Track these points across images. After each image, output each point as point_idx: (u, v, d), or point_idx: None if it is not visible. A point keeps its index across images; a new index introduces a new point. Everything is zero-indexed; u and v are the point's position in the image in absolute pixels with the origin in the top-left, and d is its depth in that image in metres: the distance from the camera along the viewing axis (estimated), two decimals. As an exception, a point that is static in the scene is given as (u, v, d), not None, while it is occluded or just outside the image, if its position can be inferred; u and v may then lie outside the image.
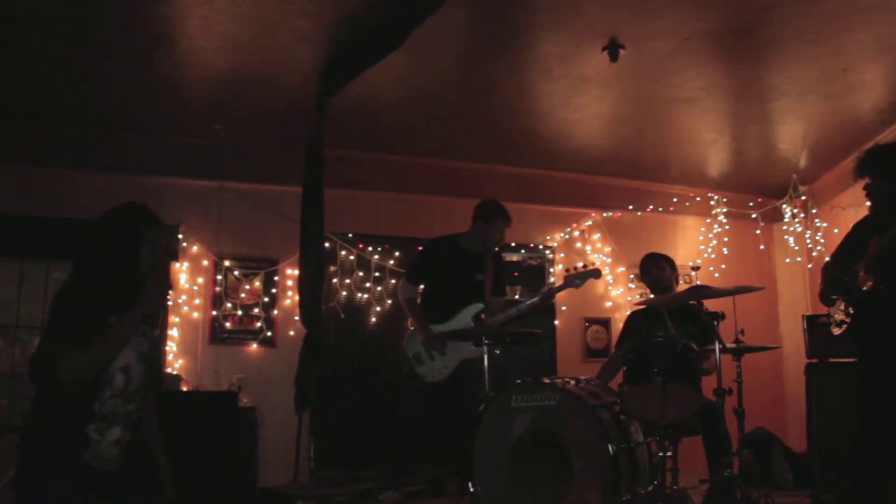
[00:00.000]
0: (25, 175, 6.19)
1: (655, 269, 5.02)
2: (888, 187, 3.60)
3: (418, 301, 5.40)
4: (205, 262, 6.62)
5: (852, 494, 3.76)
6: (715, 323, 3.79)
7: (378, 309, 6.85)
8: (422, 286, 5.48)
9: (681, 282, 6.33)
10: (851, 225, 3.91)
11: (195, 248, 6.59)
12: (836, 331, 3.72)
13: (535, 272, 7.40)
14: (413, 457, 5.28)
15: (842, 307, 3.71)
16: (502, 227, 5.25)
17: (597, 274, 5.10)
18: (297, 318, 6.02)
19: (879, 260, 3.49)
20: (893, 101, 5.76)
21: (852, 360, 4.19)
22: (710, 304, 4.39)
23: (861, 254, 3.60)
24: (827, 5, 4.47)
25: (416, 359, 5.16)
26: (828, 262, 3.95)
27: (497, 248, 5.43)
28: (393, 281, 6.80)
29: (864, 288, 3.55)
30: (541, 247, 7.43)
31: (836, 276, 3.75)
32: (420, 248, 5.74)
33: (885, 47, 4.94)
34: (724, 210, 7.73)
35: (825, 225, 7.17)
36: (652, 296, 5.19)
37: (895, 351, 3.49)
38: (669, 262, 5.08)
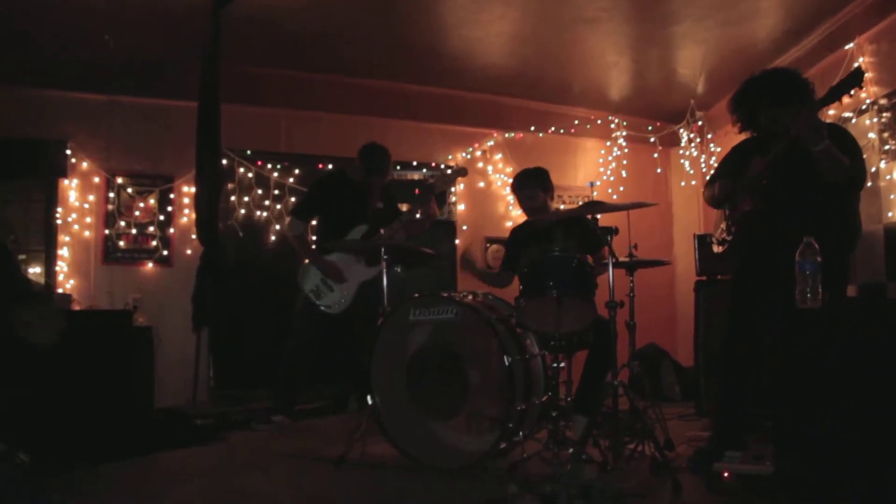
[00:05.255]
0: None
1: (527, 201, 4.75)
2: (777, 112, 3.62)
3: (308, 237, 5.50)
4: (96, 180, 6.36)
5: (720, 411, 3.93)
6: (609, 237, 3.84)
7: (277, 227, 6.74)
8: (314, 222, 5.60)
9: (556, 199, 6.40)
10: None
11: (85, 165, 6.31)
12: (718, 249, 3.82)
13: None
14: (307, 380, 5.48)
15: (723, 225, 3.83)
16: (379, 180, 5.33)
17: (463, 172, 5.27)
18: (194, 236, 5.90)
19: (758, 180, 3.56)
20: (786, 30, 5.89)
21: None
22: (607, 223, 4.45)
23: (740, 174, 3.66)
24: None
25: (316, 293, 5.20)
26: (706, 184, 4.01)
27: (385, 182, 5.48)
28: (293, 199, 6.68)
29: (746, 208, 3.64)
30: (443, 166, 7.41)
31: (721, 190, 3.84)
32: (309, 185, 5.85)
33: (779, -28, 5.04)
34: (624, 133, 7.86)
35: (719, 150, 7.35)
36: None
37: (767, 269, 3.55)
38: (542, 184, 4.76)
